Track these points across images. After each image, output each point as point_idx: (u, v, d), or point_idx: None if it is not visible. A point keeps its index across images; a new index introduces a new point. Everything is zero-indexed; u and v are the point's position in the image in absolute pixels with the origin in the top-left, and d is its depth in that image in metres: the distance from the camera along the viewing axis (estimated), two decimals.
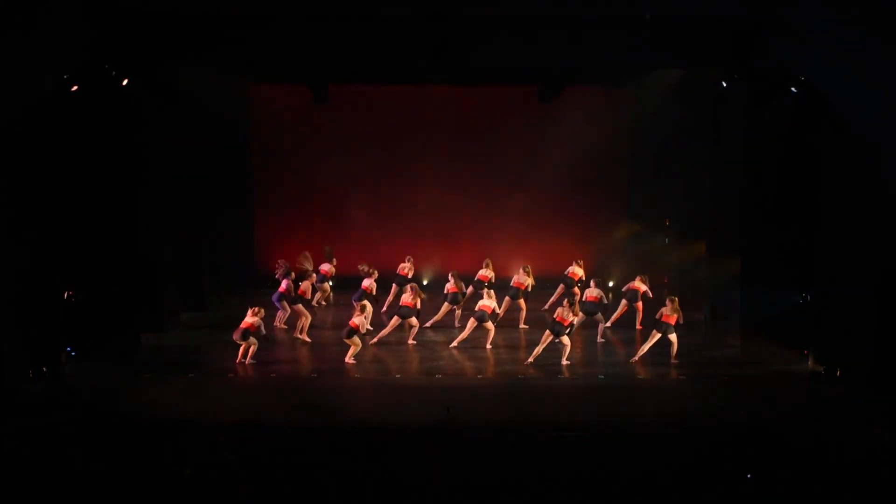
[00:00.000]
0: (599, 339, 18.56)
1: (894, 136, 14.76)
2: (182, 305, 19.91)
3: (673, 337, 17.01)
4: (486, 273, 19.70)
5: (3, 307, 15.38)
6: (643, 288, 19.07)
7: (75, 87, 16.10)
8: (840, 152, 15.93)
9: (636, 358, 17.18)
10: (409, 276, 20.29)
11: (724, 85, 17.55)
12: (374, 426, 14.03)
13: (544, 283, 20.39)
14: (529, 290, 19.49)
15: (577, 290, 19.47)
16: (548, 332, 16.96)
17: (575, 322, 17.37)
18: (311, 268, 20.15)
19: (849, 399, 15.11)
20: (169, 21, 15.89)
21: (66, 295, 16.64)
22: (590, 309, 18.36)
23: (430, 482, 12.01)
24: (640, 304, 19.17)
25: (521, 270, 19.47)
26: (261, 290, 19.57)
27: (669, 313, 16.98)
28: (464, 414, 14.43)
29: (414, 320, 18.32)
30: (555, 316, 17.06)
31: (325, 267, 20.88)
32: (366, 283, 19.39)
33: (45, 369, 15.83)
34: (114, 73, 16.57)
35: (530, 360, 17.01)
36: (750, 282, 17.27)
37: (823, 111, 16.05)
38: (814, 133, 16.45)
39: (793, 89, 16.42)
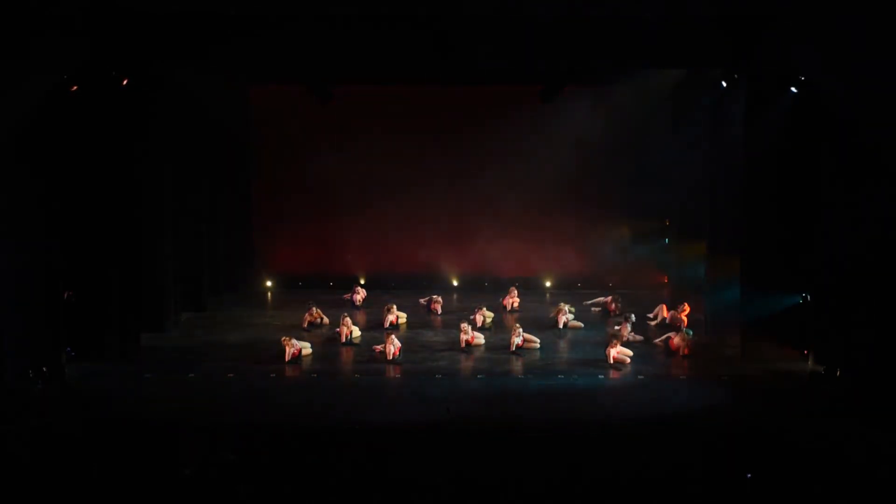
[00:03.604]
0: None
1: (893, 136, 14.76)
2: (182, 305, 19.91)
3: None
4: None
5: (3, 307, 15.38)
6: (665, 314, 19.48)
7: (75, 87, 16.11)
8: (840, 152, 15.92)
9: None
10: None
11: (724, 85, 17.57)
12: (374, 426, 14.04)
13: (538, 283, 20.37)
14: None
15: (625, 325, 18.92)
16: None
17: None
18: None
19: (849, 399, 15.10)
20: (169, 21, 15.87)
21: (66, 295, 16.64)
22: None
23: (430, 482, 12.01)
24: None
25: None
26: (260, 290, 19.52)
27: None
28: (464, 414, 14.44)
29: None
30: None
31: None
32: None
33: (45, 369, 15.83)
34: (114, 73, 16.57)
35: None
36: (750, 282, 17.26)
37: (823, 111, 16.06)
38: (814, 133, 16.44)
39: (793, 89, 16.43)
